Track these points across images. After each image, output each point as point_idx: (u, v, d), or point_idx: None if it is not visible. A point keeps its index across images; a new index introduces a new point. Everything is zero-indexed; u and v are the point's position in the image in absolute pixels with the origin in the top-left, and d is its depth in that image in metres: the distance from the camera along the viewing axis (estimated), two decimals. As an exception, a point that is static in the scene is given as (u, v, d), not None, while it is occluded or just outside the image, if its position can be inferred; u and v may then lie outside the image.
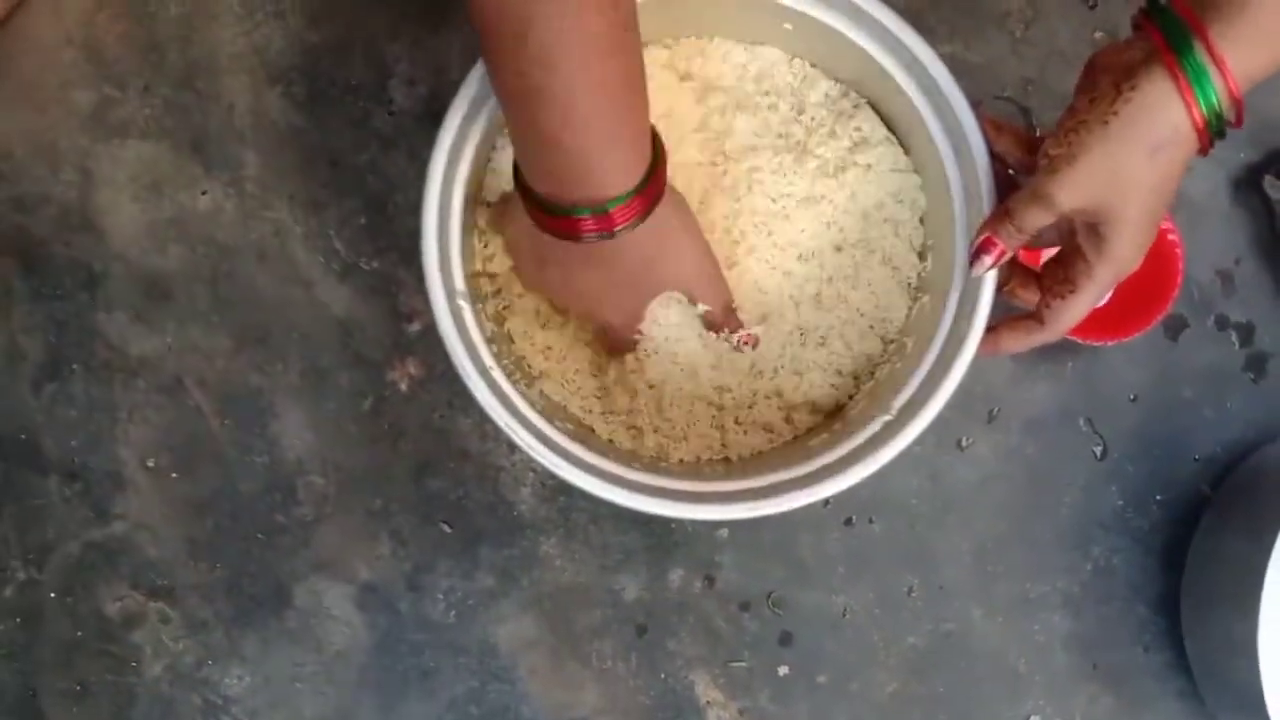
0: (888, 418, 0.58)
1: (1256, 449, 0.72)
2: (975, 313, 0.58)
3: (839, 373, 0.65)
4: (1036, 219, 0.53)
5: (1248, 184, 0.73)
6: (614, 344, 0.63)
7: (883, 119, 0.65)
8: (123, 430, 0.72)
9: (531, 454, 0.57)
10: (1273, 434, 0.72)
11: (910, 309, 0.65)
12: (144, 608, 0.71)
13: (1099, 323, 0.69)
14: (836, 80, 0.66)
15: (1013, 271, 0.59)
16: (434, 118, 0.72)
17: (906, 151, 0.65)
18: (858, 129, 0.65)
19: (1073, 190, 0.50)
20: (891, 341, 0.65)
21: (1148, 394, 0.73)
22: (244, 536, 0.71)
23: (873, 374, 0.65)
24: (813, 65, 0.66)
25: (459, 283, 0.59)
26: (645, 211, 0.54)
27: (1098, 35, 0.73)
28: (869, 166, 0.64)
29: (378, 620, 0.71)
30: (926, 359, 0.59)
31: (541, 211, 0.54)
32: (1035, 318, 0.56)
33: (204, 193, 0.72)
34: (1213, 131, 0.48)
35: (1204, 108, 0.47)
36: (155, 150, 0.72)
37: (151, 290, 0.72)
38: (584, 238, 0.54)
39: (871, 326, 0.65)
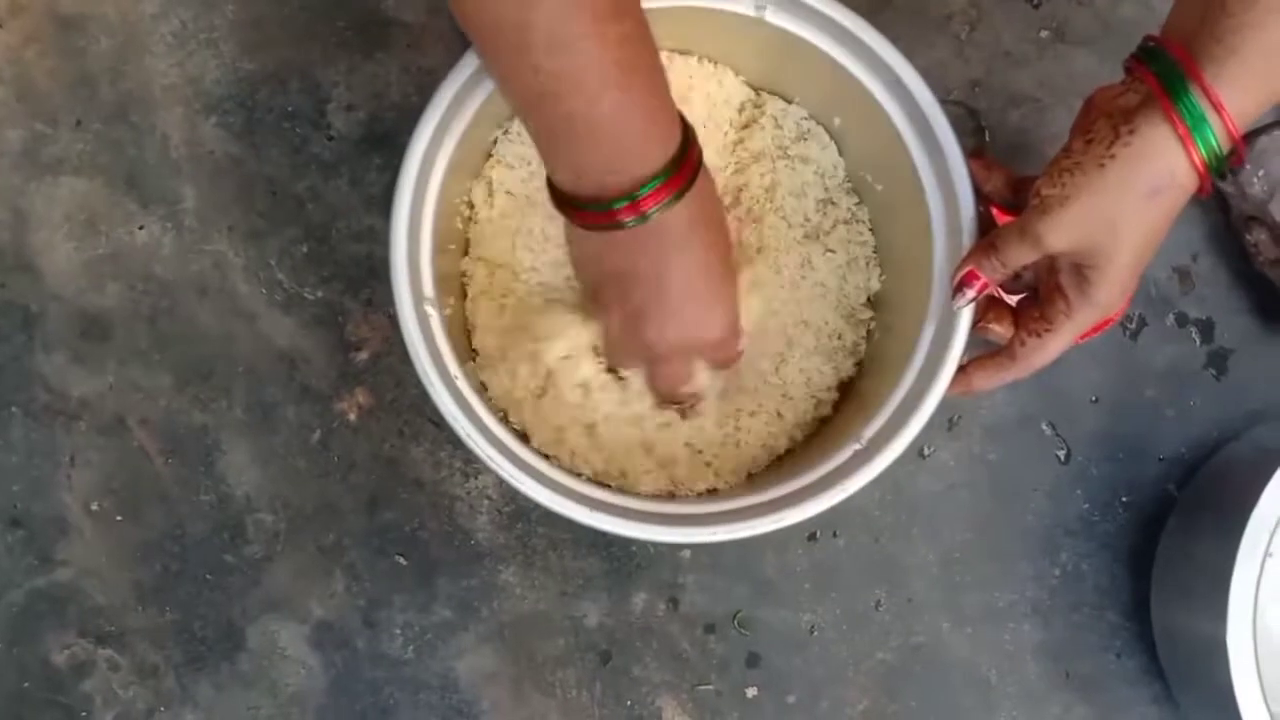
0: (858, 446, 0.57)
1: (1221, 447, 0.71)
2: (949, 348, 0.57)
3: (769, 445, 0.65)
4: (1022, 256, 0.52)
5: (1200, 179, 0.72)
6: (721, 359, 0.60)
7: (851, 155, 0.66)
8: (65, 474, 0.70)
9: (491, 465, 0.55)
10: (1236, 431, 0.72)
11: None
12: (92, 655, 0.69)
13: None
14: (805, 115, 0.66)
15: (988, 304, 0.58)
16: (374, 142, 0.71)
17: (884, 184, 0.65)
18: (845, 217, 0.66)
19: (1063, 231, 0.50)
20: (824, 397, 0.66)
21: (1109, 395, 0.72)
22: (193, 578, 0.70)
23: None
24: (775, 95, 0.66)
25: (428, 287, 0.58)
26: (680, 190, 0.51)
27: (1043, 34, 0.73)
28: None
29: (334, 659, 0.70)
30: (899, 389, 0.58)
31: (575, 208, 0.52)
32: (1007, 354, 0.56)
33: (141, 228, 0.71)
34: (1214, 173, 0.48)
35: (1204, 151, 0.47)
36: (89, 186, 0.71)
37: (90, 329, 0.70)
38: (623, 224, 0.51)
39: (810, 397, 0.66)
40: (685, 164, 0.51)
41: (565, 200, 0.52)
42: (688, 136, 0.52)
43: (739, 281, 0.60)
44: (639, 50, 0.49)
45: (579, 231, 0.54)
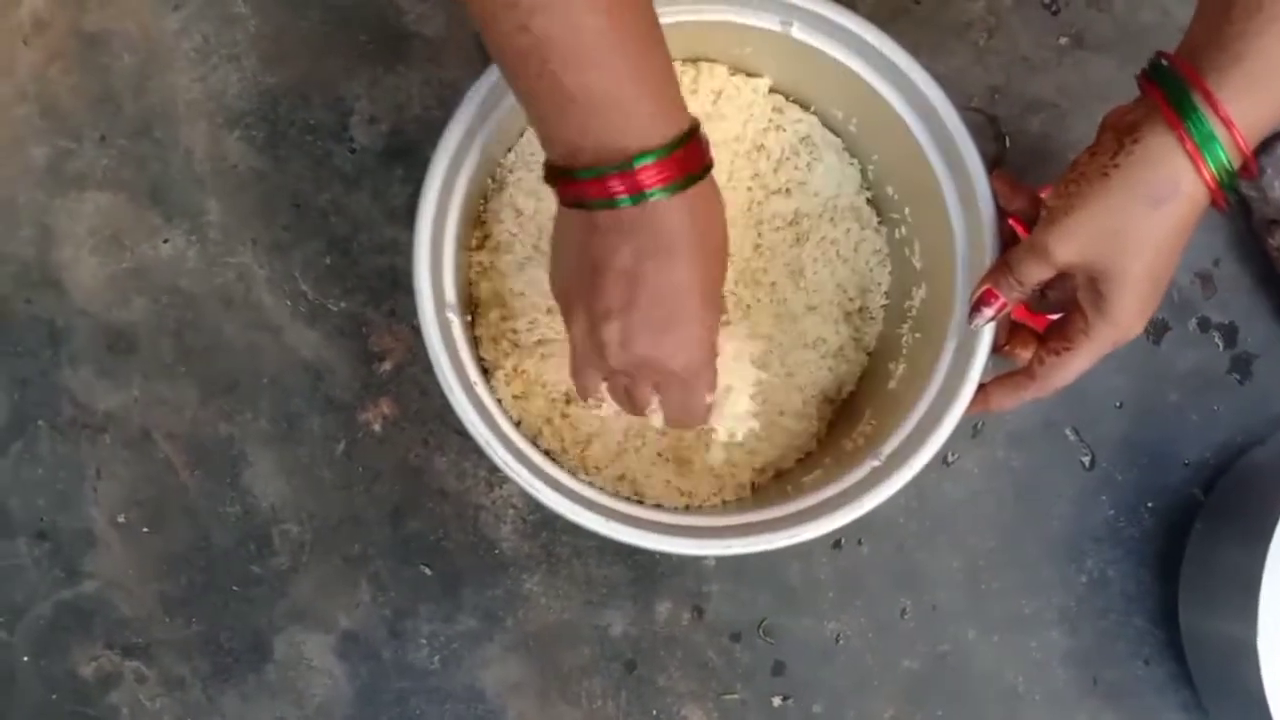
0: (875, 463, 0.57)
1: (1246, 451, 0.71)
2: (969, 368, 0.57)
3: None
4: (1034, 272, 0.52)
5: (1222, 183, 0.72)
6: (688, 410, 0.54)
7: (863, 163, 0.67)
8: (91, 487, 0.70)
9: (510, 474, 0.56)
10: (1261, 435, 0.71)
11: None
12: (119, 667, 0.70)
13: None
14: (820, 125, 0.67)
15: (1014, 333, 0.58)
16: (397, 154, 0.72)
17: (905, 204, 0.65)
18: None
19: (1068, 242, 0.50)
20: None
21: (1133, 400, 0.72)
22: (219, 590, 0.70)
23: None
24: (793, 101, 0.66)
25: (449, 294, 0.58)
26: (681, 178, 0.47)
27: (1062, 41, 0.73)
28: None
29: (360, 669, 0.70)
30: (918, 407, 0.58)
31: (567, 180, 0.48)
32: (1026, 373, 0.55)
33: (165, 241, 0.71)
34: (1225, 188, 0.48)
35: (1214, 168, 0.47)
36: (114, 201, 0.71)
37: (116, 343, 0.71)
38: (616, 200, 0.47)
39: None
40: (689, 151, 0.47)
41: (557, 173, 0.49)
42: (695, 129, 0.48)
43: (723, 347, 0.55)
44: (635, 18, 0.46)
45: (564, 217, 0.50)
